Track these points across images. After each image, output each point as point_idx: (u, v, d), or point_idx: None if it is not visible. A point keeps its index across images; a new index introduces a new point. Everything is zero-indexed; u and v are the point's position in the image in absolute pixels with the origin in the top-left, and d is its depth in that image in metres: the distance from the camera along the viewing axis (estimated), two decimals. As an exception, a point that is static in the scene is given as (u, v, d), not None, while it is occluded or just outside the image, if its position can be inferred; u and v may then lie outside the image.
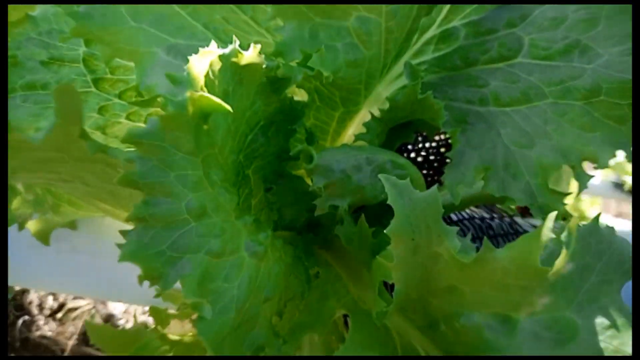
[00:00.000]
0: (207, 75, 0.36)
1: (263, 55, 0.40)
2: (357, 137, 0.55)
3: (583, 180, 0.55)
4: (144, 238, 0.33)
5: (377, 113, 0.54)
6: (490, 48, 0.57)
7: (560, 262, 0.36)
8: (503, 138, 0.56)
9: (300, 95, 0.56)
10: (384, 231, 0.36)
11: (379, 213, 0.58)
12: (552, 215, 0.35)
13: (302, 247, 0.53)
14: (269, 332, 0.40)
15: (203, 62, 0.37)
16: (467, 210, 0.70)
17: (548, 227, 0.34)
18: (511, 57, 0.57)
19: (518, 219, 0.74)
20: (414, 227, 0.39)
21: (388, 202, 0.37)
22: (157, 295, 0.33)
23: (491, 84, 0.57)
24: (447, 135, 0.71)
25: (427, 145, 0.68)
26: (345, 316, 0.57)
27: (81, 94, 0.59)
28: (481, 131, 0.56)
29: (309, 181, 0.53)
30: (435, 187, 0.39)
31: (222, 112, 0.39)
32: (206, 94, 0.34)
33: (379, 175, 0.39)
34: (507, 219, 0.70)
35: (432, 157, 0.67)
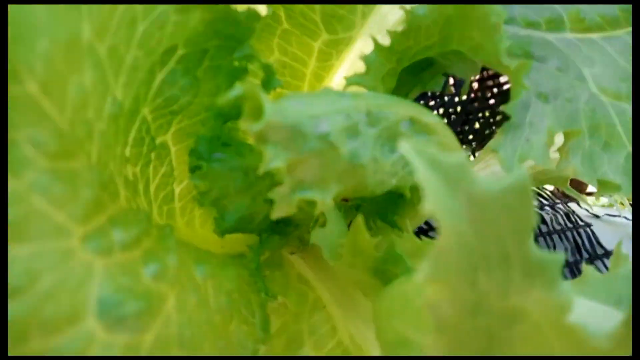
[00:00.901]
0: None
1: None
2: (350, 80, 0.33)
3: None
4: None
5: (385, 41, 0.33)
6: (567, -64, 0.35)
7: None
8: (588, 83, 0.34)
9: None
10: (415, 279, 0.15)
11: (384, 205, 0.37)
12: None
13: (258, 263, 0.32)
14: None
15: None
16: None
17: None
18: (603, -50, 0.35)
19: (574, 206, 0.53)
20: (475, 258, 0.17)
21: (425, 204, 0.15)
22: None
23: (569, -5, 0.35)
24: (491, 84, 0.48)
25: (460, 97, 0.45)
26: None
27: None
28: (553, 72, 0.34)
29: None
30: (524, 166, 0.18)
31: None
32: None
33: (400, 143, 0.17)
34: (560, 207, 0.50)
35: (471, 116, 0.45)
